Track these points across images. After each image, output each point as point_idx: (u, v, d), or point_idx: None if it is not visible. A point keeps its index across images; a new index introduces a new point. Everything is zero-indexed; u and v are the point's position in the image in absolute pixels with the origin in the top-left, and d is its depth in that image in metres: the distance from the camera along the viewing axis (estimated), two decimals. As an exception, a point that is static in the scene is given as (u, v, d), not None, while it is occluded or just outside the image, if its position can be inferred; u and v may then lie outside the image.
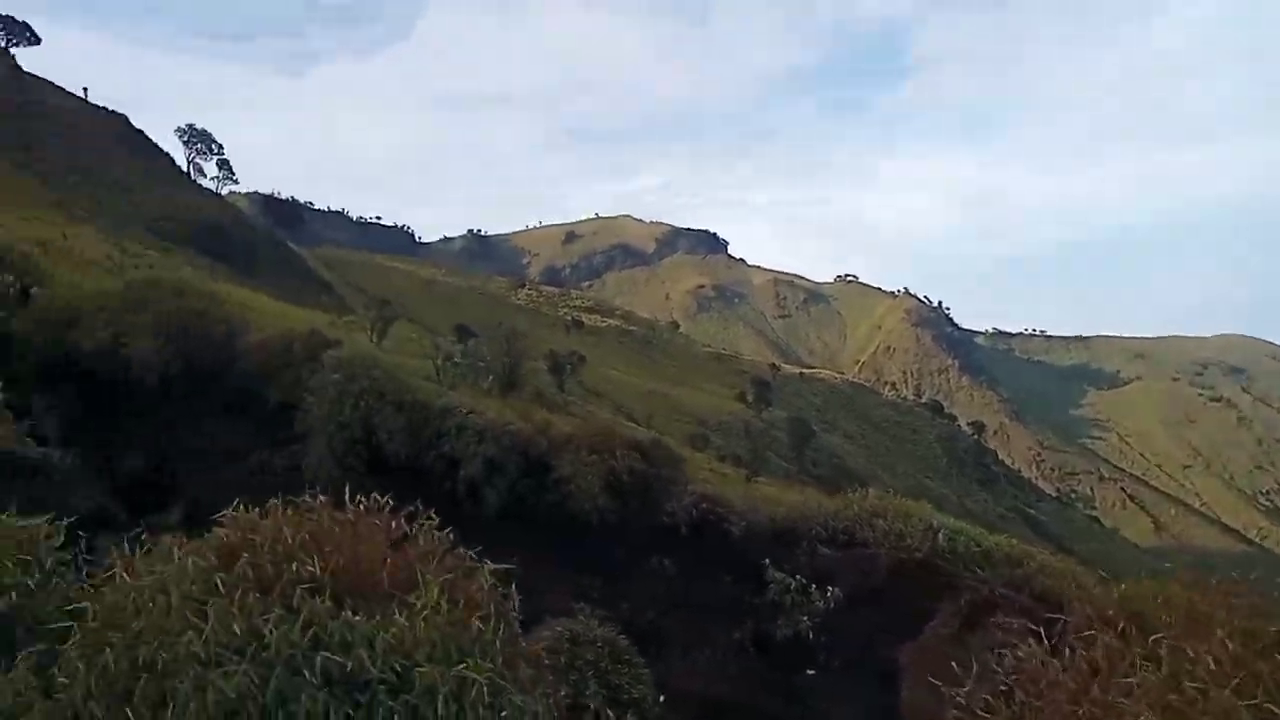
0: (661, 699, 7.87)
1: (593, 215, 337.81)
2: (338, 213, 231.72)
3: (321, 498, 3.29)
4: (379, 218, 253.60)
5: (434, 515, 3.49)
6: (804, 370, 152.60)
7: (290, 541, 2.97)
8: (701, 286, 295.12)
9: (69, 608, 3.00)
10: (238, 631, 2.63)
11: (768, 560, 10.85)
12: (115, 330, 11.37)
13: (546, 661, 3.70)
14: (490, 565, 3.28)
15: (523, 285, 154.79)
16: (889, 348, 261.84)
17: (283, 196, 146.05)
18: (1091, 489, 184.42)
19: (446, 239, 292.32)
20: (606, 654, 7.51)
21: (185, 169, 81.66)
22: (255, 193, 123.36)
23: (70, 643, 2.78)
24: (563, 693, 3.26)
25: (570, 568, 11.02)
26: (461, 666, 2.69)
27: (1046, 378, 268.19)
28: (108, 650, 2.65)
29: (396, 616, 2.84)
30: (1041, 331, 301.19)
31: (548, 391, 31.76)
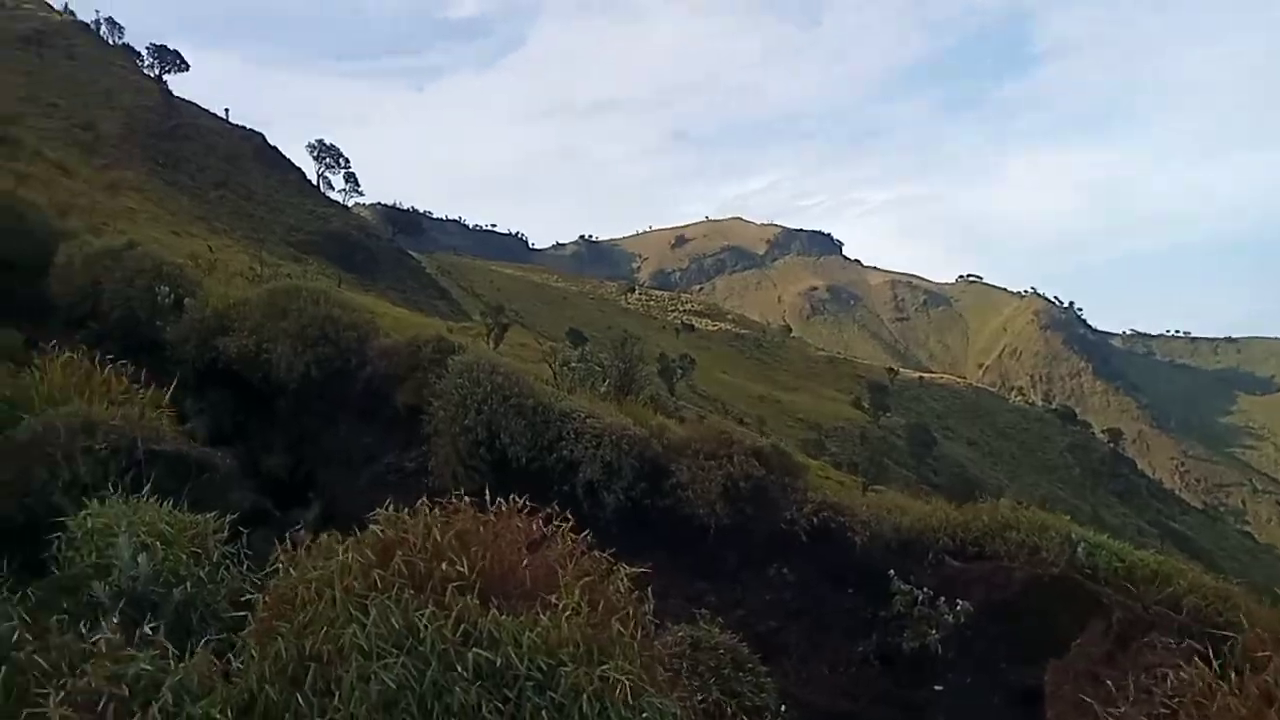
0: (784, 708, 7.77)
1: (702, 218, 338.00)
2: (454, 221, 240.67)
3: (467, 499, 3.40)
4: (493, 225, 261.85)
5: (568, 518, 3.56)
6: (923, 375, 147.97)
7: (439, 541, 3.09)
8: (815, 288, 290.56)
9: (244, 598, 3.21)
10: (396, 626, 2.76)
11: (892, 571, 10.53)
12: (259, 337, 12.06)
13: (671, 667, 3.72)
14: (627, 569, 3.32)
15: (633, 289, 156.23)
16: (1016, 350, 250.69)
17: (403, 206, 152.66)
18: (1243, 502, 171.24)
19: (558, 245, 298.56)
20: (728, 660, 7.47)
21: (315, 182, 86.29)
22: (378, 203, 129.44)
23: (246, 631, 2.99)
24: (698, 698, 3.27)
25: (685, 573, 11.01)
26: (605, 667, 2.74)
27: (1192, 382, 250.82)
28: (279, 640, 2.83)
29: (540, 616, 2.91)
30: (1185, 333, 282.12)
31: (659, 395, 31.91)
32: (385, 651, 2.72)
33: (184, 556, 3.83)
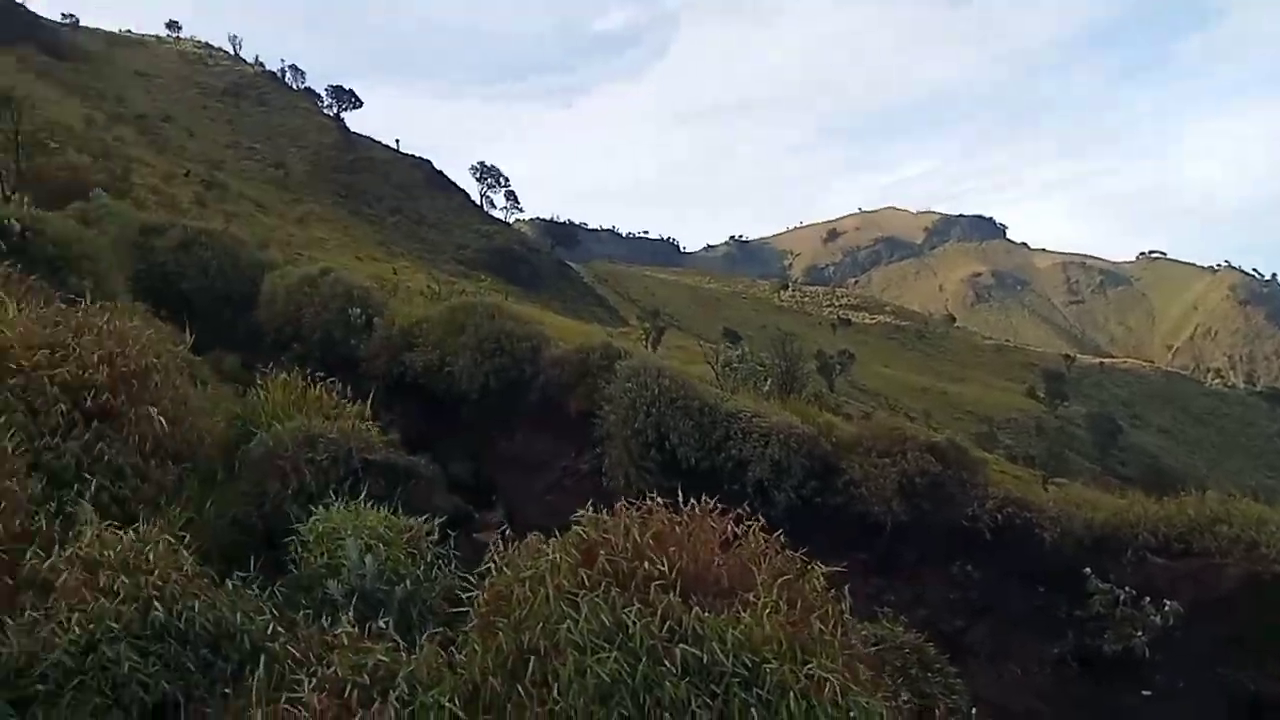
0: (974, 710, 7.47)
1: (854, 210, 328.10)
2: (608, 230, 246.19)
3: (658, 500, 3.51)
4: (645, 232, 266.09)
5: (760, 518, 3.59)
6: (1104, 360, 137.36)
7: (639, 541, 3.21)
8: (978, 275, 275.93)
9: (457, 595, 3.46)
10: (606, 622, 2.90)
11: (1088, 569, 9.88)
12: (441, 351, 12.74)
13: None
14: (822, 568, 3.32)
15: (785, 287, 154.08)
16: (1210, 330, 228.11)
17: (560, 219, 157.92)
18: None
19: (709, 247, 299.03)
20: (914, 660, 7.28)
21: (479, 202, 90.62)
22: (537, 218, 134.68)
23: (469, 626, 3.22)
24: (904, 698, 3.23)
25: (861, 570, 10.77)
26: (810, 665, 2.77)
27: None
28: (499, 634, 3.04)
29: (741, 614, 2.97)
30: None
31: (822, 393, 31.34)
32: (598, 646, 2.86)
33: (402, 556, 4.17)
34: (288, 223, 49.49)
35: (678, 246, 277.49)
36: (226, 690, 3.27)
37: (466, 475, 12.46)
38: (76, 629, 3.13)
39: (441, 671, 3.16)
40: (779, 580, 3.11)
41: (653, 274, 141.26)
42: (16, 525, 3.50)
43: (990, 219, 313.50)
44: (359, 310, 14.43)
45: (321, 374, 8.72)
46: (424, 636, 3.49)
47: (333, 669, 3.12)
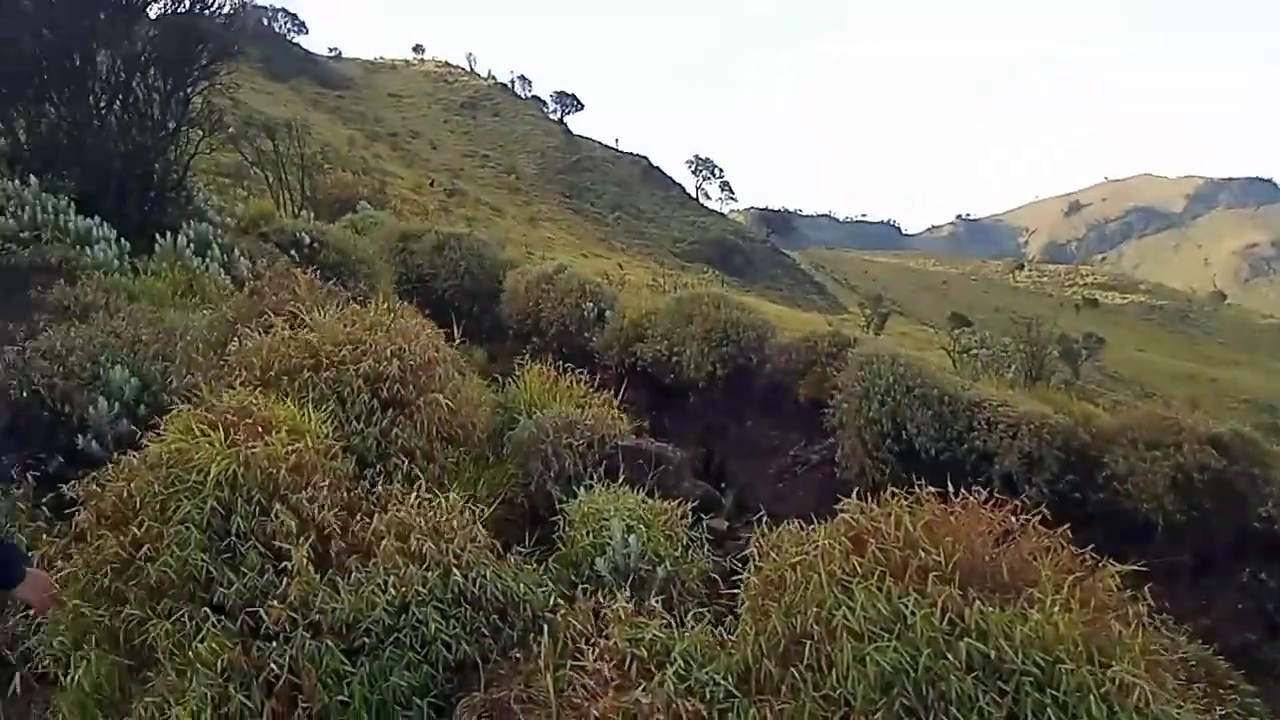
0: (1279, 736, 6.60)
1: (1101, 179, 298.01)
2: (825, 216, 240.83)
3: (930, 490, 3.40)
4: (864, 215, 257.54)
5: (1042, 511, 3.39)
6: None
7: (910, 530, 3.13)
8: (1253, 245, 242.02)
9: (737, 576, 3.54)
10: (883, 611, 2.86)
11: None
12: (669, 342, 13.04)
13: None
14: (1117, 566, 3.08)
15: (1021, 266, 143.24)
16: None
17: (775, 208, 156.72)
18: None
19: (933, 228, 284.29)
20: (1201, 674, 6.54)
21: (694, 194, 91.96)
22: (751, 207, 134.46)
23: (743, 608, 3.30)
24: (1219, 712, 2.93)
25: (1131, 574, 9.85)
26: (1115, 668, 2.58)
27: None
28: (771, 617, 3.09)
29: (1028, 610, 2.83)
30: None
31: (1071, 380, 28.94)
32: (875, 635, 2.83)
33: (661, 538, 4.33)
34: (519, 223, 52.81)
35: (899, 229, 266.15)
36: (517, 655, 3.56)
37: (699, 461, 12.73)
38: (392, 590, 3.52)
39: (713, 650, 3.26)
40: (1068, 578, 2.92)
41: (873, 258, 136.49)
42: (341, 498, 3.99)
43: (1269, 180, 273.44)
44: (592, 304, 15.13)
45: (559, 365, 9.25)
46: (689, 616, 3.61)
47: (612, 640, 3.31)
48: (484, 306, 16.73)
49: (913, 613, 2.83)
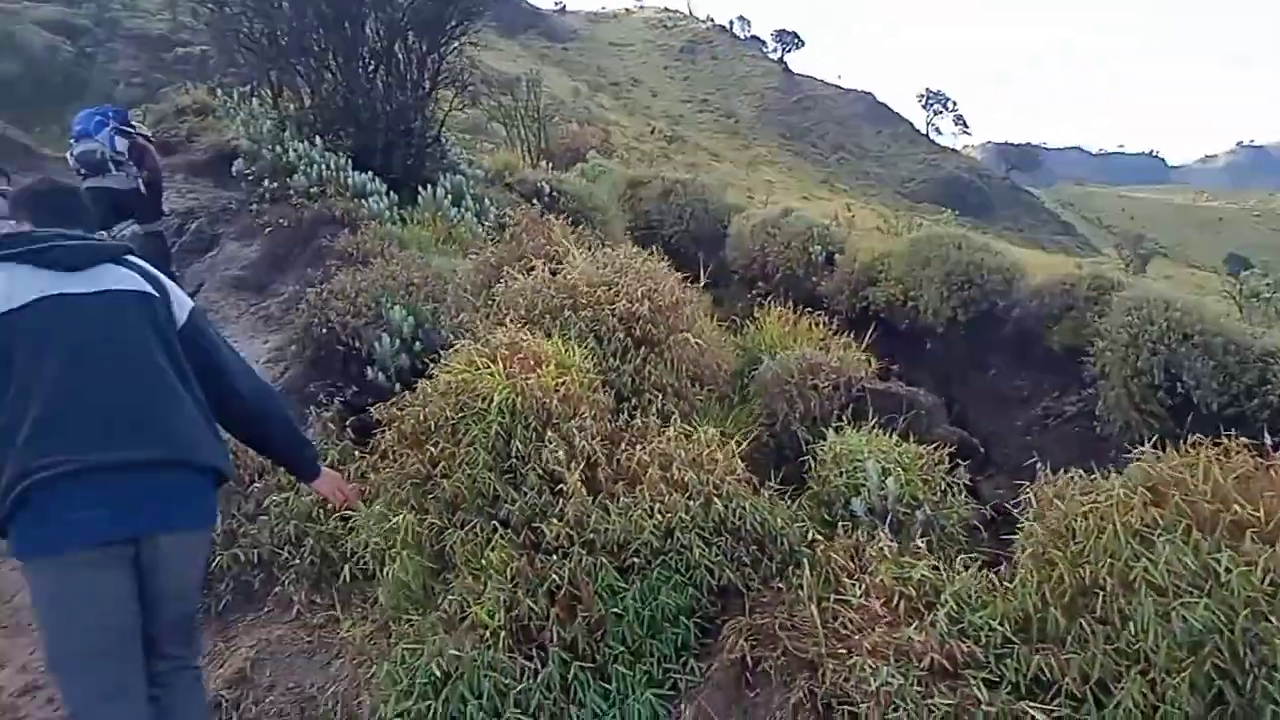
0: None
1: None
2: (1074, 149, 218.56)
3: (1243, 440, 3.06)
4: (1121, 147, 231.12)
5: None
6: None
7: (1220, 483, 2.85)
8: None
9: (997, 525, 3.40)
10: (1191, 566, 2.64)
11: None
12: (904, 285, 12.53)
13: None
14: None
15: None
16: None
17: (1017, 142, 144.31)
18: None
19: (1206, 158, 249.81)
20: None
21: (924, 131, 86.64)
22: (988, 142, 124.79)
23: (1023, 554, 3.17)
24: None
25: None
26: None
27: None
28: (1058, 566, 2.94)
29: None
30: None
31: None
32: (1182, 591, 2.62)
33: (919, 481, 4.22)
34: (739, 167, 52.39)
35: (1163, 160, 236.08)
36: (778, 584, 3.64)
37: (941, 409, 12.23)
38: (658, 516, 3.71)
39: (988, 595, 3.16)
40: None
41: (1131, 194, 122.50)
42: (605, 428, 4.23)
43: None
44: (820, 248, 14.77)
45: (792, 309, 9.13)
46: (955, 560, 3.51)
47: (879, 578, 3.29)
48: (709, 251, 16.81)
49: (1227, 569, 2.58)
